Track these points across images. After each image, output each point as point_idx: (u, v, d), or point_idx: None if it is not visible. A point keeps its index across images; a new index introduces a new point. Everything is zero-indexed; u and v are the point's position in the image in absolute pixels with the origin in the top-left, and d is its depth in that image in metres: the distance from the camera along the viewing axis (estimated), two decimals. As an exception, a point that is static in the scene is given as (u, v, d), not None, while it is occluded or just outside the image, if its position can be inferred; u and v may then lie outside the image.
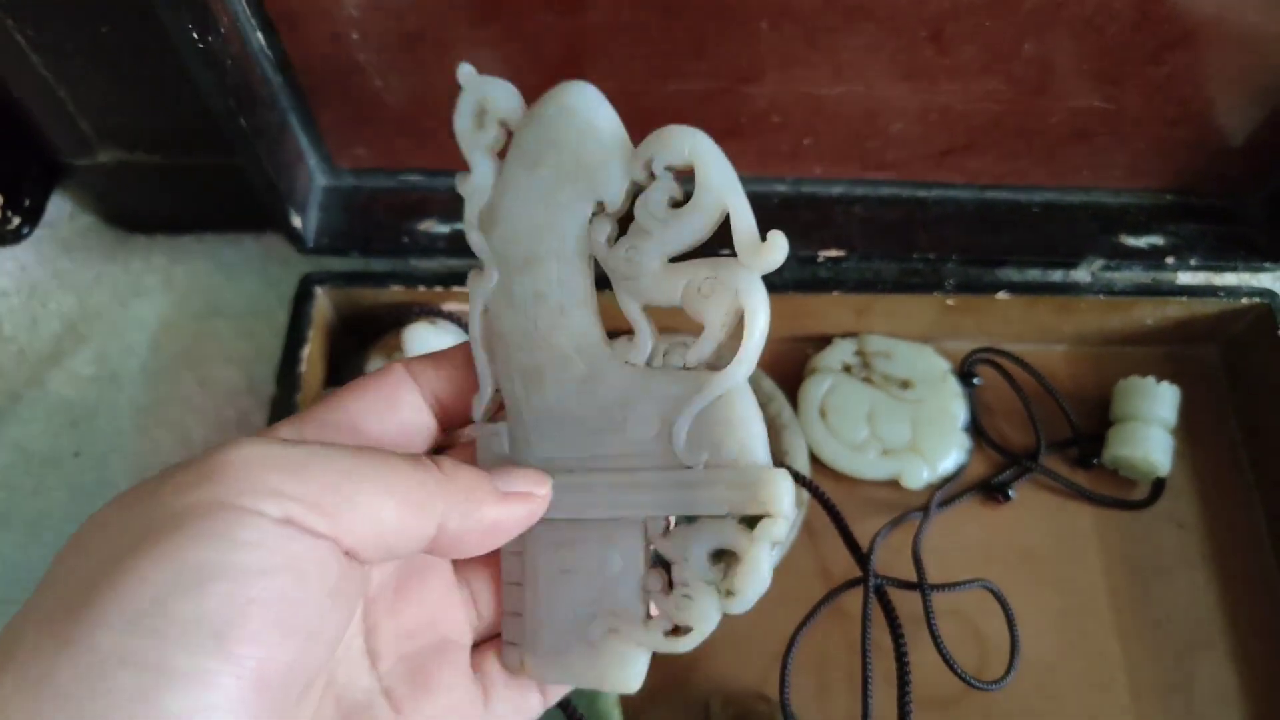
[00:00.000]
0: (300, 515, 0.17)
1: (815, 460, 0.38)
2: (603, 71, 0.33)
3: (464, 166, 0.21)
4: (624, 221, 0.21)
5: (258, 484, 0.17)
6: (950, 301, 0.38)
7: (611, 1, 0.31)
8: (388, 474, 0.18)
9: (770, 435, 0.36)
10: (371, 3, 0.30)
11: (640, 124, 0.20)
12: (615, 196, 0.20)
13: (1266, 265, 0.39)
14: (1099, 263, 0.39)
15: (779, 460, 0.36)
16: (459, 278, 0.38)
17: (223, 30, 0.29)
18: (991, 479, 0.38)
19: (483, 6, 0.31)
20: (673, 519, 0.21)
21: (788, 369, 0.40)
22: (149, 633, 0.15)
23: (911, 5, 0.31)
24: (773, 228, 0.19)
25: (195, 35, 0.28)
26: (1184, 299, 0.39)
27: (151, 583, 0.15)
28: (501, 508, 0.20)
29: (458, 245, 0.38)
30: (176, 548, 0.16)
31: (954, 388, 0.39)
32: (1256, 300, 0.39)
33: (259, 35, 0.31)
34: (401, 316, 0.38)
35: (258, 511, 0.16)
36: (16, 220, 0.41)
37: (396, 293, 0.38)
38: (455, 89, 0.35)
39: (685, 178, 0.20)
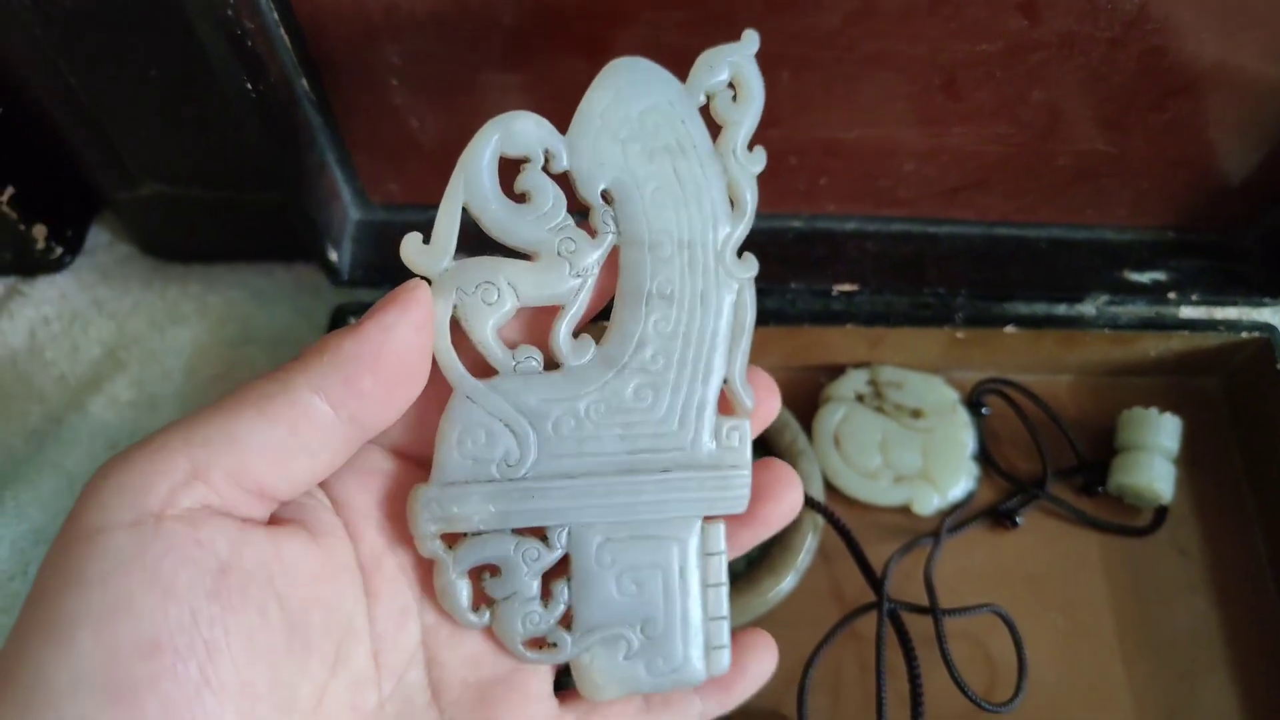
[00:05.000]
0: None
1: (829, 487, 0.39)
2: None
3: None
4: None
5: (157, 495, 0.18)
6: (960, 334, 0.40)
7: (636, 50, 0.32)
8: (244, 404, 0.18)
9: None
10: (412, 52, 0.32)
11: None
12: None
13: (1265, 300, 0.40)
14: (1103, 297, 0.40)
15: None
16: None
17: (272, 79, 0.31)
18: (999, 505, 0.39)
19: (514, 55, 0.33)
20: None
21: (802, 398, 0.41)
22: None
23: (926, 55, 0.33)
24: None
25: (249, 85, 0.29)
26: (1186, 332, 0.40)
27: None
28: (364, 330, 0.19)
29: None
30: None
31: (963, 417, 0.40)
32: (1256, 334, 0.40)
33: (303, 81, 0.33)
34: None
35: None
36: (59, 250, 0.43)
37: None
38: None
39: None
